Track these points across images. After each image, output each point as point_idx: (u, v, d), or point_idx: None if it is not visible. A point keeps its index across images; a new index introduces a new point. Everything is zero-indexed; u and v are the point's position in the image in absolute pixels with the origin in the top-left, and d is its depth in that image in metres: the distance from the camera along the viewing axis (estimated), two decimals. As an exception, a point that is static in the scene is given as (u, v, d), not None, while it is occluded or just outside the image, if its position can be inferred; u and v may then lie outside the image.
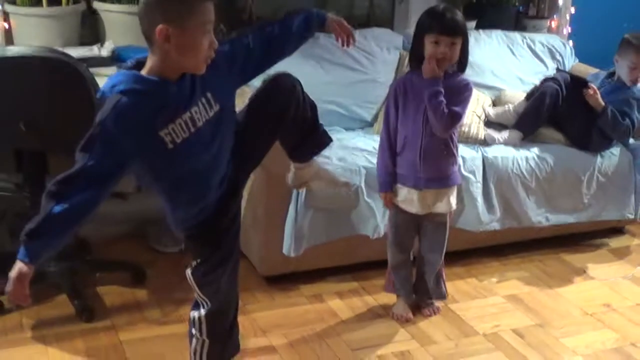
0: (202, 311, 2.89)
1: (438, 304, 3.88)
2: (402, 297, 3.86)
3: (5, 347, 3.42)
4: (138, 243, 4.37)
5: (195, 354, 2.97)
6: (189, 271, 2.83)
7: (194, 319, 2.92)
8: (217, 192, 2.70)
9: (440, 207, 3.63)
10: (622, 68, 4.42)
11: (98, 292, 3.87)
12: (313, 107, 2.90)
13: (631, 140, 4.54)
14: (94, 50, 4.17)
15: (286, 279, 4.01)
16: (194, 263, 2.82)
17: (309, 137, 2.95)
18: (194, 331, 2.95)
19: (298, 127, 2.89)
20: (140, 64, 2.49)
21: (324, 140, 3.01)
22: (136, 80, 2.39)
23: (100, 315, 3.67)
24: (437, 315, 3.82)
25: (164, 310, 3.75)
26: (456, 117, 3.46)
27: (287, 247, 3.87)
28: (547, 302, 4.02)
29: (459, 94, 3.49)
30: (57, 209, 2.33)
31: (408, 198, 3.63)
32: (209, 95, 2.53)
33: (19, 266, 2.33)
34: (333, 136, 4.17)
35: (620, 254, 4.57)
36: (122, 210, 4.28)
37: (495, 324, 3.78)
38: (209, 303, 2.87)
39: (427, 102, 3.43)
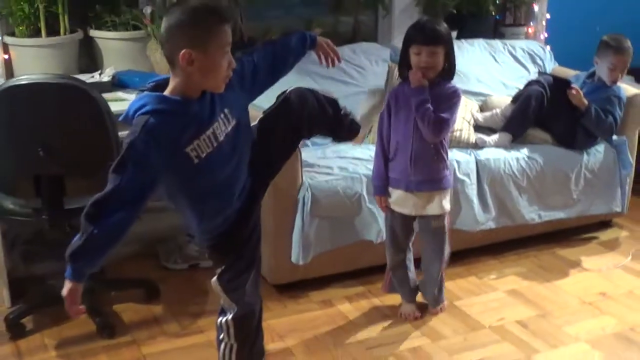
0: (229, 316, 2.97)
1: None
2: (403, 297, 3.95)
3: None
4: (149, 261, 4.43)
5: (224, 357, 3.04)
6: (214, 279, 2.92)
7: (221, 324, 3.01)
8: (237, 203, 2.80)
9: (431, 209, 3.70)
10: (602, 69, 4.53)
11: (115, 309, 3.94)
12: (333, 103, 3.06)
13: (614, 137, 4.64)
14: (95, 77, 4.24)
15: (295, 286, 4.09)
16: (218, 271, 2.91)
17: (337, 129, 3.15)
18: (222, 336, 3.02)
19: (323, 125, 3.08)
20: (158, 86, 2.60)
21: (353, 129, 3.18)
22: (161, 100, 2.50)
23: (120, 331, 3.74)
24: (442, 312, 3.91)
25: (182, 324, 3.83)
26: (444, 123, 3.55)
27: (296, 255, 3.96)
28: (546, 294, 4.12)
29: (448, 100, 3.59)
30: (96, 230, 2.43)
31: (400, 200, 3.72)
32: (226, 110, 2.63)
33: (68, 286, 2.46)
34: (329, 148, 4.38)
35: (611, 245, 4.68)
36: (132, 230, 4.39)
37: (499, 317, 3.88)
38: (235, 308, 2.95)
39: (415, 110, 3.54)
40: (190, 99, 2.54)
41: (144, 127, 2.44)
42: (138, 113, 2.50)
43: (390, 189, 3.76)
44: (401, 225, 3.81)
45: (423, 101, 3.53)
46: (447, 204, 3.76)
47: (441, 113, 3.55)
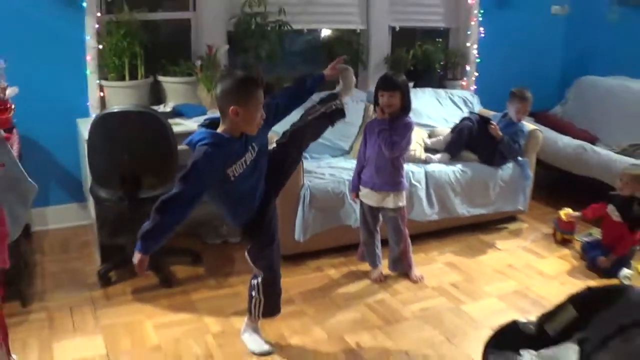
0: (259, 279, 3.11)
1: (417, 272, 4.01)
2: (371, 265, 4.03)
3: (116, 305, 3.64)
4: (194, 238, 4.51)
5: (254, 308, 3.18)
6: (246, 252, 3.08)
7: (253, 285, 3.14)
8: (258, 201, 2.97)
9: (388, 203, 3.81)
10: (511, 111, 4.63)
11: (172, 269, 4.06)
12: (321, 117, 3.17)
13: (519, 158, 4.71)
14: (160, 108, 4.34)
15: (297, 257, 4.18)
16: (248, 246, 3.07)
17: (332, 124, 3.26)
18: (253, 293, 3.15)
19: (322, 132, 3.25)
20: (212, 123, 2.77)
21: (341, 115, 3.26)
22: (215, 137, 2.69)
23: (175, 284, 3.88)
24: (421, 281, 3.98)
25: (218, 280, 3.95)
26: (396, 144, 3.67)
27: (297, 234, 4.09)
28: (471, 265, 4.24)
29: (402, 129, 3.71)
30: (163, 219, 2.62)
31: (367, 195, 3.86)
32: (253, 144, 2.82)
33: (138, 256, 2.66)
34: (324, 161, 4.43)
35: (516, 233, 4.76)
36: None
37: (439, 281, 4.00)
38: (263, 273, 3.09)
39: (377, 135, 3.70)
40: (233, 137, 2.72)
41: (204, 154, 2.62)
42: (200, 143, 2.66)
43: (361, 187, 3.88)
44: (368, 213, 3.93)
45: (383, 129, 3.69)
46: (400, 202, 3.84)
47: (396, 137, 3.68)
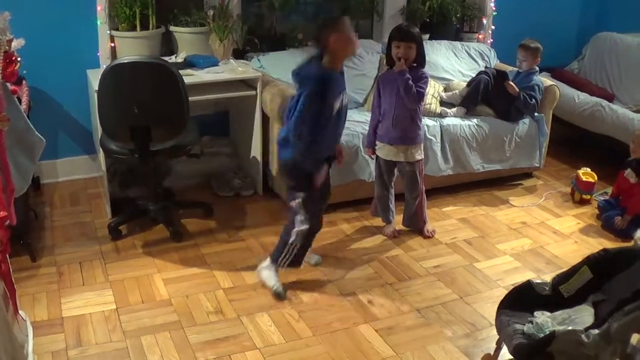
0: (305, 227, 3.20)
1: (429, 227, 3.93)
2: (384, 220, 3.95)
3: (126, 258, 3.57)
4: (206, 190, 4.40)
5: (286, 254, 3.23)
6: (294, 201, 3.21)
7: (294, 231, 3.20)
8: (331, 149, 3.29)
9: (404, 158, 3.71)
10: (520, 63, 4.51)
11: (183, 222, 3.97)
12: None
13: (536, 114, 4.57)
14: (172, 59, 4.20)
15: None
16: (301, 196, 3.18)
17: None
18: (292, 240, 3.20)
19: None
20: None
21: None
22: (323, 71, 2.98)
23: (186, 237, 3.79)
24: (433, 236, 3.89)
25: (229, 233, 3.86)
26: (420, 94, 3.58)
27: None
28: (485, 222, 4.12)
29: (420, 80, 3.60)
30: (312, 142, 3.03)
31: (384, 149, 3.74)
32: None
33: (317, 176, 3.11)
34: None
35: (531, 190, 4.62)
36: (194, 168, 4.38)
37: (452, 237, 3.91)
38: (311, 221, 3.21)
39: (404, 85, 3.54)
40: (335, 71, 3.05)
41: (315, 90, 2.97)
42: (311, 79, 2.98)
43: (377, 142, 3.77)
44: (384, 168, 3.81)
45: (407, 79, 3.55)
46: (418, 155, 3.75)
47: (420, 87, 3.59)
